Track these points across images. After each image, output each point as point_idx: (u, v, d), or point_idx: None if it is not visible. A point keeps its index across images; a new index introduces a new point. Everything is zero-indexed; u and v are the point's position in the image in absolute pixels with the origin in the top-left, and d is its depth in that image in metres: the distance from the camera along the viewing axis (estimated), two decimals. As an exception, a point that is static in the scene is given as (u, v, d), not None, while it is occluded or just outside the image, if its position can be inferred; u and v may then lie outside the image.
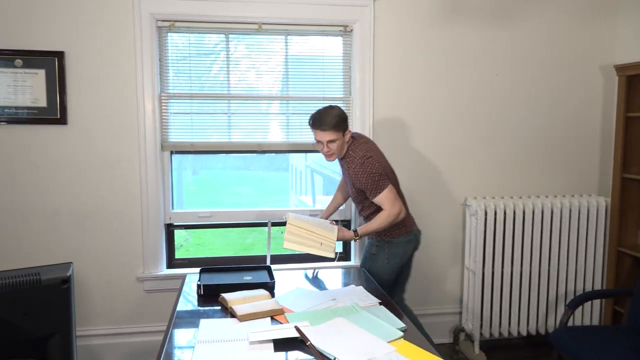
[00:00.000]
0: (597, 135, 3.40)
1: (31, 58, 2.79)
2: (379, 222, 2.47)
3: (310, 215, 2.80)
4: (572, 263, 3.23)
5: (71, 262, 1.51)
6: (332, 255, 2.36)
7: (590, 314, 3.28)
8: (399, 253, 2.64)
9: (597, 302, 3.29)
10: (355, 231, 2.51)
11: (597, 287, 3.28)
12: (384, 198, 2.46)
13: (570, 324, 3.19)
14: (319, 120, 2.43)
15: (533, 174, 3.36)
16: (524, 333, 3.23)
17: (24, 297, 1.36)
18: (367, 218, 2.61)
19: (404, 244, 2.64)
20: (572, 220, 3.20)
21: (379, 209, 2.51)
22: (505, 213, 3.13)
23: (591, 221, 3.22)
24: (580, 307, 3.25)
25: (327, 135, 2.41)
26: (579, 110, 3.37)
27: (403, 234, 2.62)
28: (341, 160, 2.58)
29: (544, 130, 3.34)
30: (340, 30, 3.10)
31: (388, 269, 2.64)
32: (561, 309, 3.24)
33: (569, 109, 3.35)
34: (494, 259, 3.14)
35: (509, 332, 3.22)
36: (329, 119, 2.41)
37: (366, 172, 2.43)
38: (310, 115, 2.51)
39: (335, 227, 2.49)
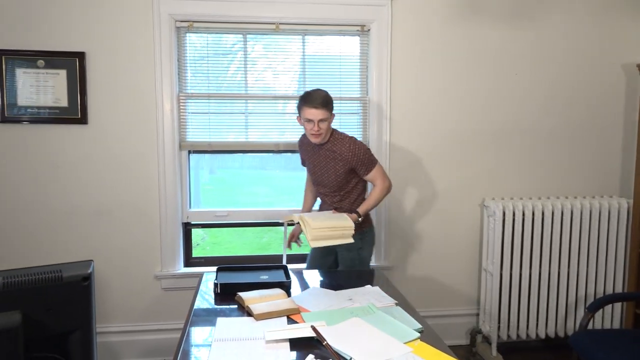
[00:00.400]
0: (619, 135, 3.34)
1: (53, 59, 2.84)
2: (375, 198, 2.58)
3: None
4: (593, 265, 3.18)
5: (92, 260, 1.53)
6: (353, 240, 2.41)
7: (610, 318, 3.23)
8: (374, 239, 2.81)
9: (618, 305, 3.23)
10: (356, 212, 2.56)
11: (618, 290, 3.22)
12: (377, 172, 2.58)
13: (590, 327, 3.14)
14: (312, 98, 2.47)
15: (553, 174, 3.31)
16: (543, 336, 3.19)
17: (46, 294, 1.38)
18: (344, 209, 2.61)
19: (374, 230, 2.82)
20: (592, 222, 3.15)
21: (359, 197, 2.63)
22: (524, 214, 3.09)
23: (612, 223, 3.16)
24: (601, 310, 3.20)
25: (320, 114, 2.45)
26: (600, 110, 3.31)
27: (371, 222, 2.76)
28: (324, 145, 2.57)
29: (564, 130, 3.29)
30: (358, 30, 3.10)
31: (370, 257, 2.77)
32: (581, 312, 3.19)
33: (590, 108, 3.30)
34: (512, 260, 3.11)
35: (527, 335, 3.18)
36: (322, 98, 2.48)
37: (361, 148, 2.55)
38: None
39: (344, 214, 2.51)
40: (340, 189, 2.61)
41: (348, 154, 2.52)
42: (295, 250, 2.88)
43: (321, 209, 2.78)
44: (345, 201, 2.63)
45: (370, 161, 2.56)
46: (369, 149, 2.59)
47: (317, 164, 2.63)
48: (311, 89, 2.55)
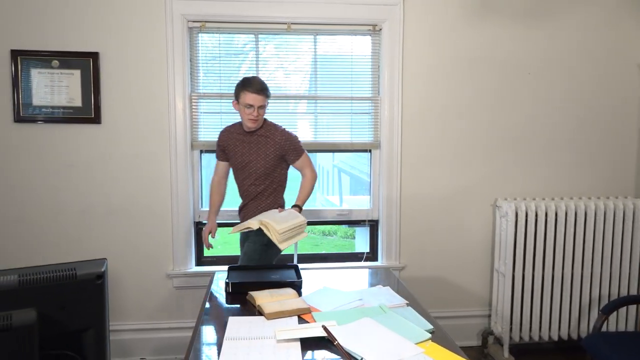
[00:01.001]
0: (634, 135, 3.30)
1: (67, 59, 2.87)
2: (309, 187, 2.69)
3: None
4: (607, 267, 3.14)
5: (105, 258, 1.54)
6: (307, 234, 2.53)
7: (625, 320, 3.19)
8: None
9: (632, 307, 3.19)
10: (297, 206, 2.63)
11: (633, 292, 3.18)
12: (306, 160, 2.70)
13: (604, 329, 3.10)
14: (254, 84, 2.54)
15: (566, 174, 3.28)
16: (555, 337, 3.16)
17: (60, 292, 1.40)
18: (260, 199, 2.64)
19: None
20: (606, 223, 3.11)
21: (279, 187, 2.70)
22: (536, 215, 3.07)
23: (627, 224, 3.12)
24: (615, 313, 3.16)
25: (261, 100, 2.54)
26: (615, 110, 3.27)
27: None
28: (256, 131, 2.63)
29: (578, 129, 3.26)
30: (369, 30, 3.09)
31: (275, 257, 2.72)
32: (594, 314, 3.15)
33: (604, 108, 3.26)
34: (524, 261, 3.08)
35: (540, 336, 3.15)
36: (263, 85, 2.56)
37: (292, 134, 2.67)
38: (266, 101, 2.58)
39: (292, 211, 2.57)
40: (267, 177, 2.65)
41: (281, 138, 2.62)
42: (307, 250, 2.88)
43: (245, 204, 2.73)
44: (268, 190, 2.67)
45: (300, 148, 2.68)
46: (297, 136, 2.69)
47: (246, 152, 2.65)
48: (250, 75, 2.64)
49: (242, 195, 2.76)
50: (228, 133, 2.74)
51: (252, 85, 2.53)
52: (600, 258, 3.13)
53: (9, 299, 1.32)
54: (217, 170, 2.85)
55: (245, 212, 2.73)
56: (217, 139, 2.78)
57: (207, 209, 3.17)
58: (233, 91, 3.06)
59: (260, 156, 2.63)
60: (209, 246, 2.83)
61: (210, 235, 2.82)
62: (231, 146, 2.70)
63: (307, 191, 2.69)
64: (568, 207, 3.08)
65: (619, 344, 2.39)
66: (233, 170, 2.78)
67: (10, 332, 1.18)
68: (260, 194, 2.67)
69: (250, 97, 2.52)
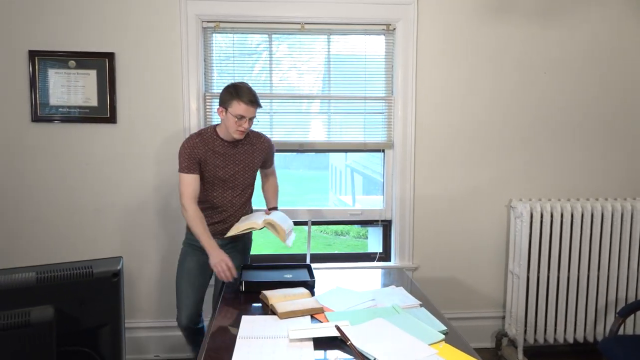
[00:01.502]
0: (653, 135, 3.25)
1: (84, 59, 2.90)
2: (277, 189, 2.79)
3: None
4: (624, 269, 3.09)
5: (121, 257, 1.56)
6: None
7: (642, 323, 3.14)
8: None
9: (650, 310, 3.14)
10: (275, 208, 2.69)
11: (651, 295, 3.13)
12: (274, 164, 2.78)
13: (620, 333, 3.06)
14: (249, 95, 2.34)
15: (582, 175, 3.24)
16: (571, 340, 3.12)
17: (77, 289, 1.42)
18: (245, 207, 2.59)
19: None
20: (623, 224, 3.07)
21: (252, 191, 2.65)
22: (552, 216, 3.03)
23: (645, 226, 3.07)
24: (632, 316, 3.11)
25: (252, 112, 2.37)
26: (633, 109, 3.22)
27: None
28: (241, 141, 2.47)
29: (595, 129, 3.21)
30: (383, 29, 3.08)
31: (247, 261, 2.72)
32: (611, 317, 3.11)
33: (622, 107, 3.21)
34: (539, 263, 3.05)
35: (555, 339, 3.12)
36: (256, 95, 2.38)
37: (271, 140, 2.67)
38: (249, 91, 2.38)
39: (280, 212, 2.62)
40: (249, 187, 2.60)
41: (267, 145, 2.60)
42: (320, 249, 2.89)
43: (229, 215, 2.53)
44: (249, 197, 2.63)
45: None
46: None
47: (229, 164, 2.47)
48: (239, 82, 2.44)
49: (221, 207, 2.51)
50: (204, 144, 2.43)
51: (245, 95, 2.32)
52: (617, 260, 3.09)
53: (27, 296, 1.34)
54: (191, 186, 2.39)
55: (230, 223, 2.52)
56: (185, 151, 2.40)
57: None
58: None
59: (248, 166, 2.52)
60: (230, 278, 2.30)
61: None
62: (209, 159, 2.43)
63: (277, 193, 2.78)
64: (584, 208, 3.04)
65: (635, 348, 2.35)
66: (208, 184, 2.48)
67: (29, 328, 1.20)
68: (244, 203, 2.58)
69: (242, 108, 2.32)
